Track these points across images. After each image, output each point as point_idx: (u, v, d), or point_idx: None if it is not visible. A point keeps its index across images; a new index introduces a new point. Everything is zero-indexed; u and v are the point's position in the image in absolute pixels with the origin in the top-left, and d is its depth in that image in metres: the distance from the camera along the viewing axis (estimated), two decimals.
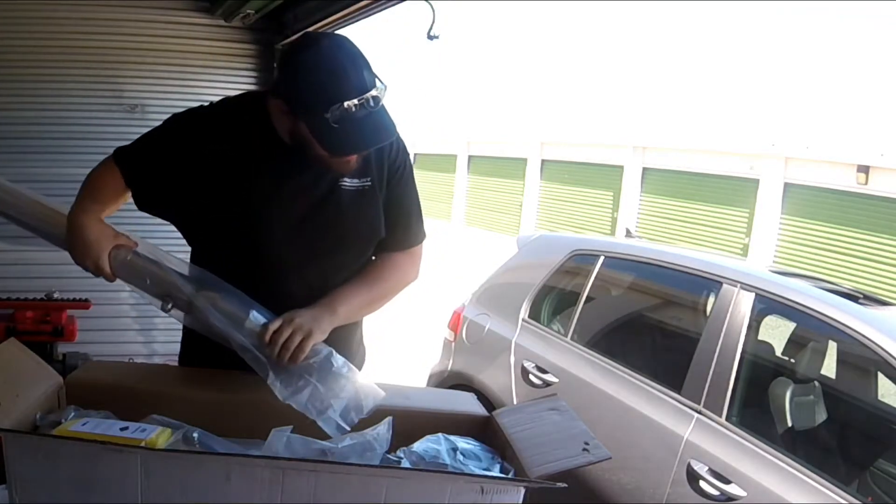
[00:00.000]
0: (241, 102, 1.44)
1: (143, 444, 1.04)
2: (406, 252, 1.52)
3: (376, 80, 1.27)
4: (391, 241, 1.50)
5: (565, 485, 1.03)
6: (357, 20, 3.23)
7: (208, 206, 1.38)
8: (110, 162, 1.42)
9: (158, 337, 3.67)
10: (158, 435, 1.07)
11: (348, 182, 1.39)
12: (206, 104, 1.44)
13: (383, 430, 1.19)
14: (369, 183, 1.41)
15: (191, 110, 1.43)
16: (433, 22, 3.89)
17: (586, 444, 1.16)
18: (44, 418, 1.16)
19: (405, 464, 1.15)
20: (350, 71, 1.24)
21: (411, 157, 1.57)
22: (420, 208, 1.55)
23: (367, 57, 1.29)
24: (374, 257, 1.52)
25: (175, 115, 1.43)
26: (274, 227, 1.37)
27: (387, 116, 1.28)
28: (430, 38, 3.99)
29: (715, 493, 2.01)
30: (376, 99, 1.24)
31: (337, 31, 3.44)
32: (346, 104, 1.22)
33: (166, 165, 1.39)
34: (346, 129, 1.24)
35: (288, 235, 1.38)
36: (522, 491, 1.03)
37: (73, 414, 1.16)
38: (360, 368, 1.64)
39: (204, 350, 1.44)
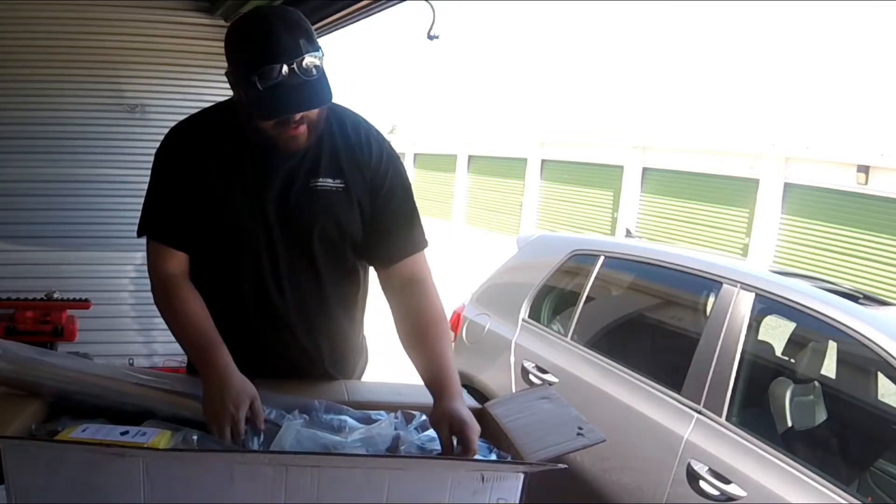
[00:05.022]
0: (217, 108, 1.44)
1: (145, 447, 1.04)
2: (419, 255, 1.47)
3: (316, 50, 1.26)
4: (397, 249, 1.45)
5: (565, 465, 1.03)
6: (357, 20, 3.23)
7: (197, 217, 1.37)
8: (153, 252, 1.38)
9: (158, 337, 3.66)
10: (159, 438, 1.07)
11: (321, 182, 1.38)
12: (185, 119, 1.46)
13: (387, 424, 1.19)
14: (343, 185, 1.39)
15: (168, 133, 1.44)
16: (433, 22, 3.89)
17: (580, 428, 1.17)
18: (40, 428, 1.15)
19: None
20: (282, 36, 1.23)
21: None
22: (418, 218, 1.49)
23: (312, 30, 1.29)
24: (391, 279, 1.47)
25: (157, 150, 1.43)
26: (249, 231, 1.37)
27: (322, 86, 1.26)
28: (430, 38, 4.00)
29: (715, 493, 2.01)
30: (308, 64, 1.23)
31: (336, 32, 3.46)
32: (274, 67, 1.21)
33: (176, 202, 1.37)
34: (274, 93, 1.23)
35: (263, 238, 1.38)
36: (522, 476, 1.03)
37: (68, 423, 1.15)
38: (363, 369, 1.65)
39: None
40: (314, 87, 1.25)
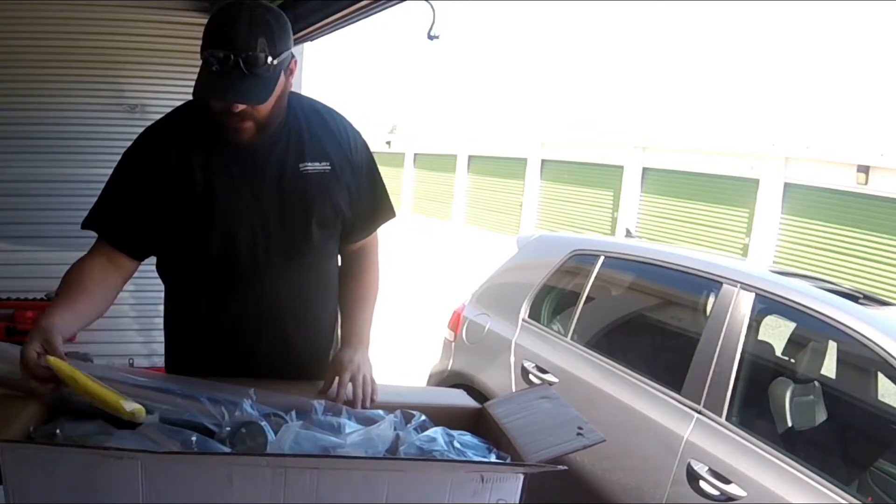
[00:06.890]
0: (190, 104, 1.44)
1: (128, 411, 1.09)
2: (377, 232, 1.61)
3: (277, 53, 1.26)
4: (371, 224, 1.56)
5: (565, 467, 1.03)
6: (357, 20, 3.22)
7: (177, 215, 1.37)
8: (94, 249, 1.39)
9: (158, 337, 3.65)
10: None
11: (310, 166, 1.41)
12: (158, 120, 1.47)
13: (386, 426, 1.19)
14: (329, 167, 1.43)
15: (143, 132, 1.46)
16: (433, 22, 3.89)
17: (580, 428, 1.17)
18: (38, 430, 1.15)
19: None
20: (241, 26, 1.24)
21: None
22: (387, 191, 1.59)
23: (282, 31, 1.30)
24: (349, 253, 1.58)
25: (128, 148, 1.45)
26: (242, 221, 1.38)
27: (259, 86, 1.25)
28: (430, 38, 4.00)
29: (715, 493, 2.01)
30: (255, 61, 1.23)
31: (336, 32, 3.45)
32: (220, 52, 1.23)
33: (137, 201, 1.38)
34: (211, 75, 1.24)
35: (260, 228, 1.38)
36: (521, 477, 1.03)
37: (67, 424, 1.15)
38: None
39: (190, 358, 1.45)
40: (251, 83, 1.24)
